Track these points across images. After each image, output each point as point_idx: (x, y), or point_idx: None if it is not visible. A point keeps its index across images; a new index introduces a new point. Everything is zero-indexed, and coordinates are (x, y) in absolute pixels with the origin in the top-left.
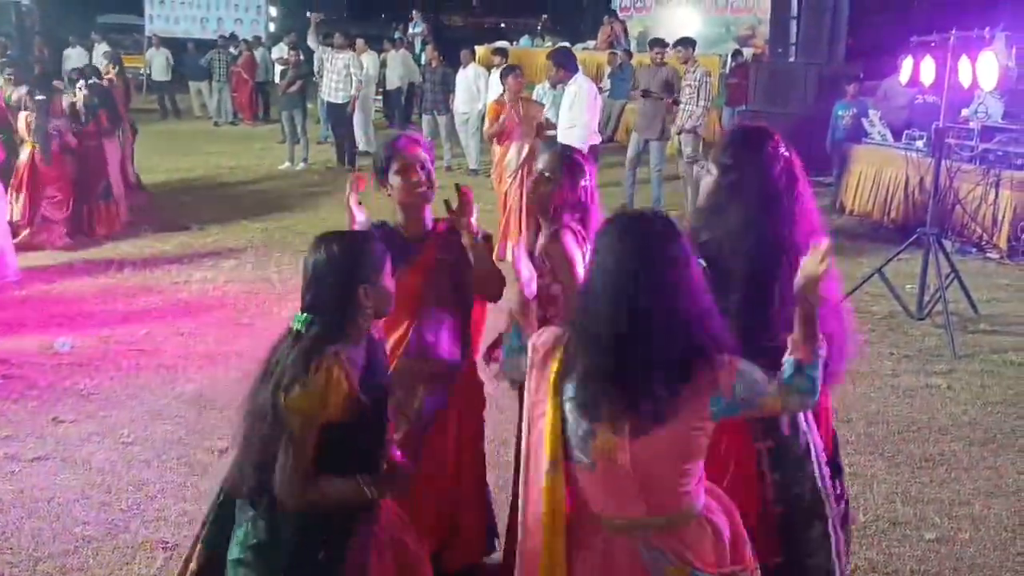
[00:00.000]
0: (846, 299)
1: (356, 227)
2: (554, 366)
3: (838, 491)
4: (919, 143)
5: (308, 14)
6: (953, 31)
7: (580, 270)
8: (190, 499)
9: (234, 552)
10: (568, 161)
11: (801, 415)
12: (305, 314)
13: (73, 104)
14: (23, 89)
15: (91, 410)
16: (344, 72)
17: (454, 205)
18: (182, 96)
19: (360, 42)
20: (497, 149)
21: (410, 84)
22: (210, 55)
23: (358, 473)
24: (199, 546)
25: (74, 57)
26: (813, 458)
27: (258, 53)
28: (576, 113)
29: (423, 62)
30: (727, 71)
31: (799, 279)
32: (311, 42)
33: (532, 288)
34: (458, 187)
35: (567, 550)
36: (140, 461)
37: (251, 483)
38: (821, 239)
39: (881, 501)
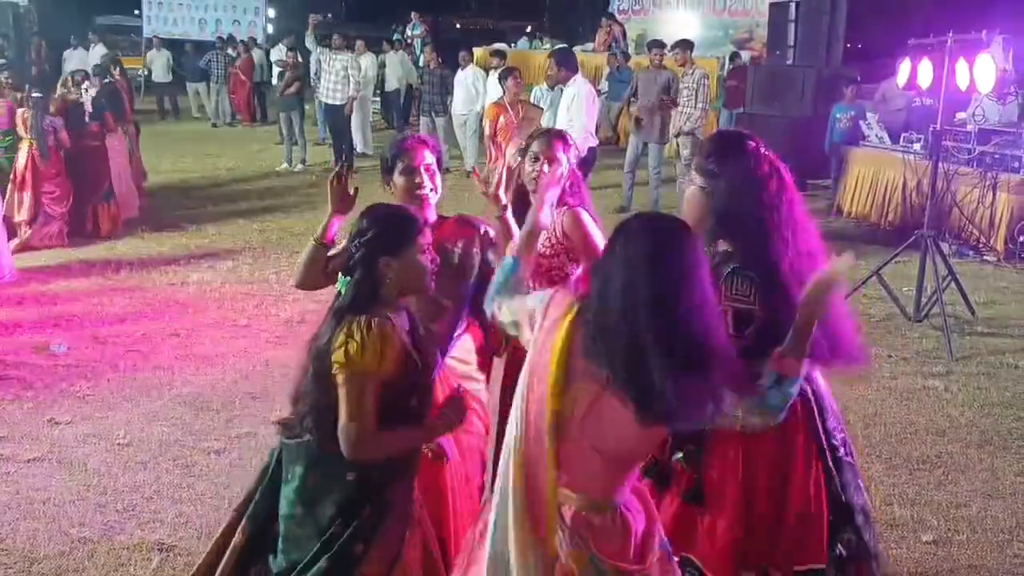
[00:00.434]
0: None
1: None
2: (560, 338)
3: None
4: (916, 146)
5: (310, 16)
6: (950, 34)
7: (601, 244)
8: (186, 501)
9: (284, 508)
10: (564, 140)
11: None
12: (347, 277)
13: (77, 103)
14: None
15: (87, 411)
16: (342, 74)
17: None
18: (181, 97)
19: (360, 43)
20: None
21: (408, 86)
22: (208, 56)
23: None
24: (244, 521)
25: (75, 58)
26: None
27: (256, 54)
28: (574, 114)
29: (421, 64)
30: (725, 74)
31: (812, 285)
32: (309, 43)
33: (547, 219)
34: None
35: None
36: (136, 463)
37: (307, 430)
38: (817, 234)
39: (879, 503)
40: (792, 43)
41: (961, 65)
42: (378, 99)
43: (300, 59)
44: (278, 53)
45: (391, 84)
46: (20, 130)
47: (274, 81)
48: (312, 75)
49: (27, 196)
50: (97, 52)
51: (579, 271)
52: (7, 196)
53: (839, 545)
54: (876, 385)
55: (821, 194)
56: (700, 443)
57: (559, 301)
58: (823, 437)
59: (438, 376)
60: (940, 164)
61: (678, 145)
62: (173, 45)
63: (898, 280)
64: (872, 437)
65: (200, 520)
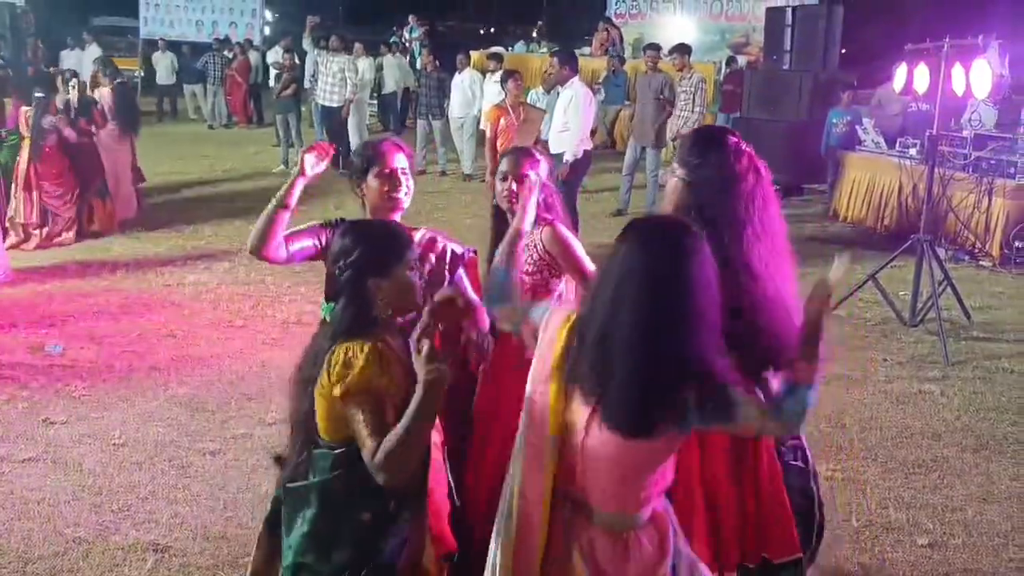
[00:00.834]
0: (839, 306)
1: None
2: (558, 347)
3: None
4: (912, 151)
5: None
6: (947, 39)
7: (583, 256)
8: (181, 501)
9: (289, 558)
10: (531, 157)
11: None
12: (331, 303)
13: (90, 99)
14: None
15: (83, 412)
16: (339, 76)
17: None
18: (180, 99)
19: (358, 46)
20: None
21: (405, 89)
22: (205, 58)
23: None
24: (263, 531)
25: (71, 59)
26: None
27: (252, 56)
28: (570, 117)
29: (418, 67)
30: (721, 78)
31: (813, 289)
32: (306, 45)
33: (529, 223)
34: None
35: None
36: (131, 463)
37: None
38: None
39: (874, 506)
40: (788, 48)
41: (957, 70)
42: (375, 102)
43: (297, 61)
44: (274, 55)
45: (388, 87)
46: (22, 129)
47: (271, 83)
48: (309, 77)
49: (33, 196)
50: (92, 53)
51: (562, 285)
52: (11, 196)
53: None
54: (872, 389)
55: (817, 198)
56: None
57: (558, 315)
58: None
59: None
60: (936, 169)
61: (675, 149)
62: (170, 47)
63: (894, 284)
64: (868, 441)
65: (195, 521)
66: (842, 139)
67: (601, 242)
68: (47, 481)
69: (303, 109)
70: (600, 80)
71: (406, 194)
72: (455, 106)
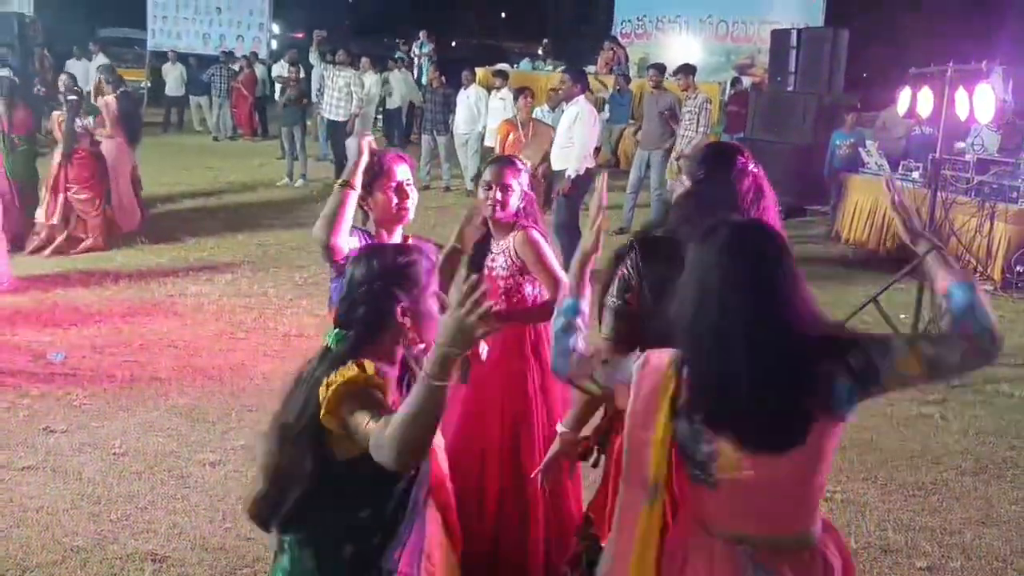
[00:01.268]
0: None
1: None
2: (668, 388)
3: None
4: (915, 174)
5: (314, 32)
6: (951, 64)
7: (554, 262)
8: (180, 512)
9: None
10: (513, 167)
11: None
12: (338, 330)
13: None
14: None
15: (83, 420)
16: (345, 90)
17: None
18: (187, 110)
19: (365, 60)
20: None
21: (410, 104)
22: (211, 70)
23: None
24: None
25: (77, 68)
26: None
27: (259, 69)
28: (575, 134)
29: (424, 82)
30: (726, 99)
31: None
32: (313, 59)
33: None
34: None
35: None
36: (131, 472)
37: (285, 512)
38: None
39: (873, 528)
40: (793, 70)
41: (961, 95)
42: (380, 116)
43: (302, 74)
44: (280, 68)
45: (393, 102)
46: (56, 133)
47: (276, 96)
48: (315, 91)
49: (58, 199)
50: (99, 63)
51: (535, 289)
52: (43, 200)
53: None
54: (872, 411)
55: (820, 220)
56: (611, 424)
57: (655, 366)
58: None
59: None
60: (939, 193)
61: (679, 168)
62: (179, 59)
63: (895, 307)
64: (867, 462)
65: (194, 531)
66: (845, 161)
67: (603, 259)
68: (46, 489)
69: (308, 122)
70: (606, 98)
71: (412, 205)
72: (460, 122)
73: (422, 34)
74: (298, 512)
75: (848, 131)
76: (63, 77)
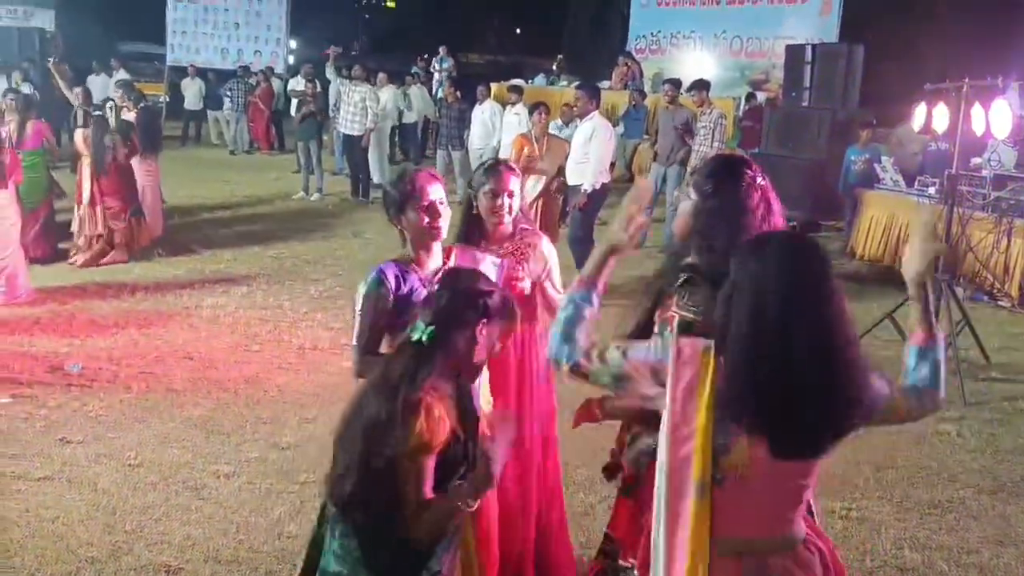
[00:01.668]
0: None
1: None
2: (708, 383)
3: None
4: (931, 190)
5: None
6: (966, 80)
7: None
8: (194, 523)
9: (330, 564)
10: (512, 170)
11: None
12: (430, 327)
13: (127, 122)
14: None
15: (99, 431)
16: (360, 105)
17: None
18: (205, 124)
19: (382, 76)
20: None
21: (425, 119)
22: (228, 84)
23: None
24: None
25: (97, 83)
26: None
27: (275, 84)
28: (592, 149)
29: (439, 97)
30: (741, 114)
31: (910, 254)
32: (329, 74)
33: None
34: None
35: None
36: (146, 484)
37: (349, 495)
38: None
39: (889, 547)
40: (808, 85)
41: (977, 110)
42: (397, 131)
43: (319, 89)
44: (296, 83)
45: (409, 117)
46: (81, 148)
47: (292, 111)
48: (331, 106)
49: (97, 211)
50: (118, 77)
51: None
52: (77, 214)
53: None
54: (887, 428)
55: (835, 236)
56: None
57: (690, 356)
58: None
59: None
60: (955, 208)
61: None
62: (198, 73)
63: (912, 324)
64: (883, 480)
65: (207, 543)
66: (861, 177)
67: (618, 274)
68: (62, 500)
69: (325, 137)
70: (620, 114)
71: (444, 224)
72: (475, 137)
73: (442, 50)
74: (360, 501)
75: (863, 147)
76: (78, 91)
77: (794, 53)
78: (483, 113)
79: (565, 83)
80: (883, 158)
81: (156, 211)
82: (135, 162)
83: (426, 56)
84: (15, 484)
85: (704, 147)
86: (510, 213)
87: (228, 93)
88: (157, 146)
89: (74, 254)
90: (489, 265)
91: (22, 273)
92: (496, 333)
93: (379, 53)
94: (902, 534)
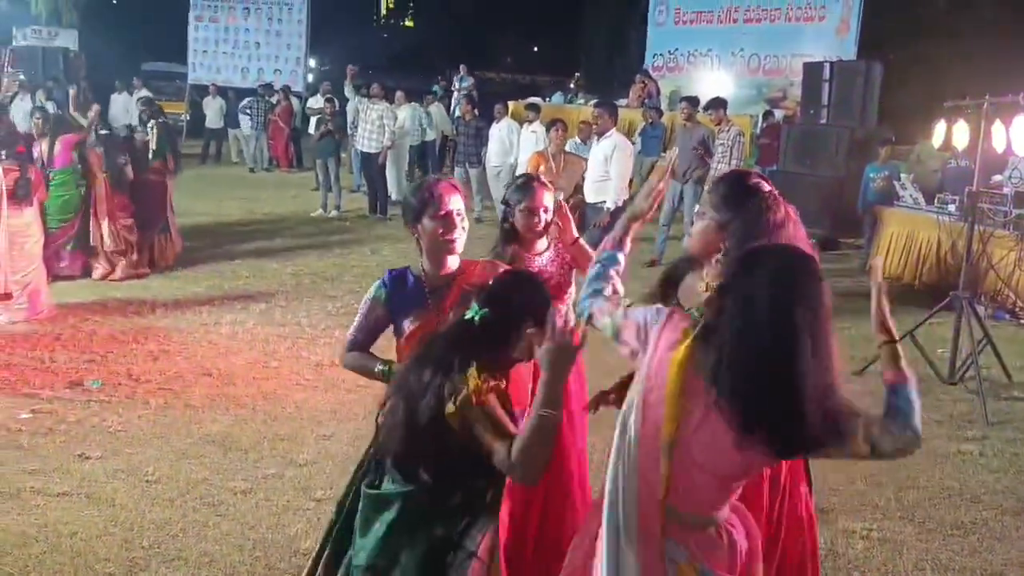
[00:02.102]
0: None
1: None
2: (679, 354)
3: None
4: (951, 207)
5: (347, 67)
6: (987, 96)
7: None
8: (211, 540)
9: (361, 558)
10: (543, 185)
11: None
12: (485, 310)
13: (143, 141)
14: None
15: (117, 447)
16: (378, 123)
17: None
18: (225, 142)
19: (400, 94)
20: None
21: (444, 136)
22: (246, 102)
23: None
24: (327, 551)
25: (119, 102)
26: None
27: (295, 102)
28: (613, 167)
29: (457, 115)
30: (758, 131)
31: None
32: (348, 92)
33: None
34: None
35: None
36: (164, 500)
37: (402, 459)
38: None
39: (911, 568)
40: (826, 103)
41: (997, 127)
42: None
43: (337, 107)
44: (316, 101)
45: (429, 135)
46: (94, 167)
47: (311, 129)
48: (350, 123)
49: (116, 226)
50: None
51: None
52: (92, 228)
53: None
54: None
55: (853, 253)
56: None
57: (675, 324)
58: None
59: None
60: (976, 226)
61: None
62: (219, 92)
63: (932, 342)
64: (905, 500)
65: (224, 560)
66: (880, 195)
67: (634, 291)
68: (80, 515)
69: (343, 155)
70: (637, 132)
71: (460, 236)
72: (492, 155)
73: (462, 68)
74: (415, 463)
75: (882, 164)
76: (95, 109)
77: (812, 70)
78: (500, 131)
79: (582, 101)
80: (902, 175)
81: (177, 228)
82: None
83: (447, 73)
84: (34, 499)
85: (722, 165)
86: (547, 228)
87: (248, 111)
88: (176, 162)
89: (95, 269)
90: None
91: (44, 290)
92: (534, 342)
93: (398, 71)
94: (924, 555)
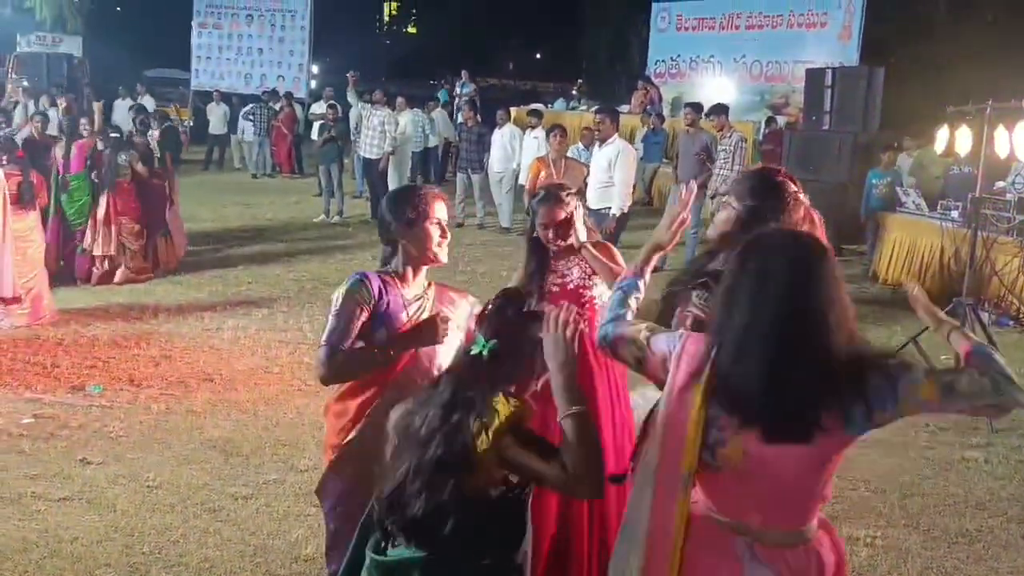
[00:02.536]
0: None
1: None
2: (703, 375)
3: None
4: (954, 213)
5: (348, 74)
6: (990, 102)
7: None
8: (212, 545)
9: None
10: (562, 203)
11: None
12: (493, 342)
13: (146, 144)
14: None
15: (119, 452)
16: (379, 128)
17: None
18: (228, 148)
19: (400, 100)
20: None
21: (447, 142)
22: (249, 108)
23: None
24: None
25: (123, 108)
26: None
27: (298, 108)
28: (616, 173)
29: (459, 121)
30: (761, 137)
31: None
32: (351, 99)
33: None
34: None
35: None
36: (165, 505)
37: (414, 522)
38: None
39: (915, 575)
40: (828, 109)
41: (1001, 133)
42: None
43: (340, 113)
44: (318, 108)
45: (431, 140)
46: (101, 171)
47: (313, 135)
48: (352, 129)
49: (112, 231)
50: (146, 103)
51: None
52: (90, 232)
53: None
54: (913, 454)
55: (856, 260)
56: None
57: (692, 352)
58: None
59: None
60: (979, 232)
61: (713, 208)
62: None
63: (935, 348)
64: (909, 508)
65: (224, 566)
66: (882, 201)
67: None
68: (81, 520)
69: (346, 160)
70: (639, 138)
71: (446, 251)
72: (495, 161)
73: (464, 74)
74: (434, 527)
75: (884, 170)
76: (96, 107)
77: (814, 77)
78: (503, 137)
79: (585, 108)
80: (905, 181)
81: (180, 231)
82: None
83: (450, 79)
84: (35, 504)
85: (725, 170)
86: (564, 240)
87: (250, 117)
88: (176, 166)
89: (94, 273)
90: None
91: (46, 295)
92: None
93: (400, 78)
94: (929, 563)
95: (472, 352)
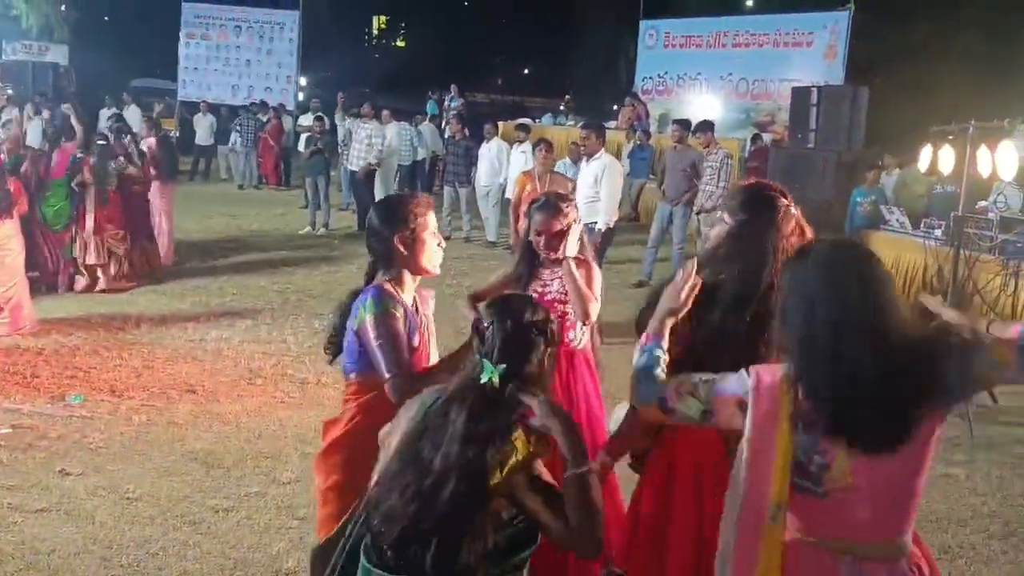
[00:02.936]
0: None
1: None
2: (786, 405)
3: None
4: (937, 232)
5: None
6: (972, 121)
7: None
8: (191, 559)
9: None
10: (560, 213)
11: None
12: (502, 366)
13: (139, 151)
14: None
15: (98, 463)
16: (366, 141)
17: None
18: (215, 159)
19: (385, 113)
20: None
21: (434, 156)
22: (237, 120)
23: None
24: None
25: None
26: None
27: (285, 120)
28: (603, 188)
29: (447, 135)
30: (746, 154)
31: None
32: (338, 118)
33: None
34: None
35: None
36: (144, 517)
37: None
38: None
39: None
40: (813, 127)
41: (983, 152)
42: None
43: (327, 125)
44: (306, 119)
45: (419, 153)
46: (86, 176)
47: (300, 147)
48: (340, 142)
49: (101, 238)
50: (131, 113)
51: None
52: (75, 240)
53: None
54: None
55: None
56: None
57: (768, 383)
58: None
59: None
60: (962, 251)
61: (699, 222)
62: (210, 109)
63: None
64: None
65: None
66: (866, 219)
67: (621, 312)
68: (58, 532)
69: (332, 173)
70: (626, 154)
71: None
72: (482, 175)
73: (453, 88)
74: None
75: (868, 188)
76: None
77: (800, 95)
78: (490, 151)
79: (572, 123)
80: (888, 200)
81: (170, 238)
82: (154, 189)
83: (438, 92)
84: (11, 516)
85: (711, 187)
86: (555, 251)
87: (238, 128)
88: (174, 175)
89: (78, 281)
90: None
91: (27, 304)
92: (554, 358)
93: (388, 92)
94: None
95: (481, 381)
